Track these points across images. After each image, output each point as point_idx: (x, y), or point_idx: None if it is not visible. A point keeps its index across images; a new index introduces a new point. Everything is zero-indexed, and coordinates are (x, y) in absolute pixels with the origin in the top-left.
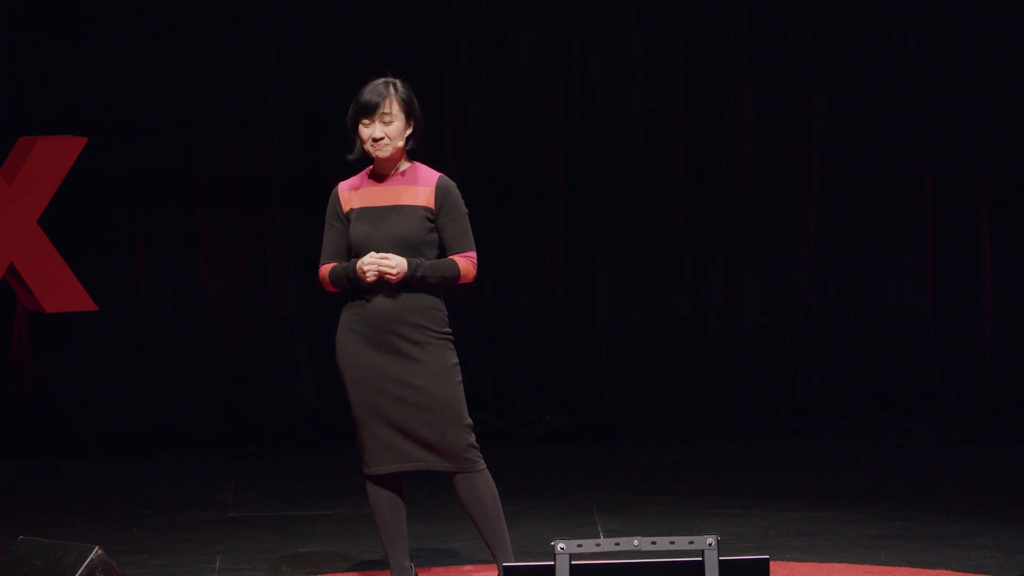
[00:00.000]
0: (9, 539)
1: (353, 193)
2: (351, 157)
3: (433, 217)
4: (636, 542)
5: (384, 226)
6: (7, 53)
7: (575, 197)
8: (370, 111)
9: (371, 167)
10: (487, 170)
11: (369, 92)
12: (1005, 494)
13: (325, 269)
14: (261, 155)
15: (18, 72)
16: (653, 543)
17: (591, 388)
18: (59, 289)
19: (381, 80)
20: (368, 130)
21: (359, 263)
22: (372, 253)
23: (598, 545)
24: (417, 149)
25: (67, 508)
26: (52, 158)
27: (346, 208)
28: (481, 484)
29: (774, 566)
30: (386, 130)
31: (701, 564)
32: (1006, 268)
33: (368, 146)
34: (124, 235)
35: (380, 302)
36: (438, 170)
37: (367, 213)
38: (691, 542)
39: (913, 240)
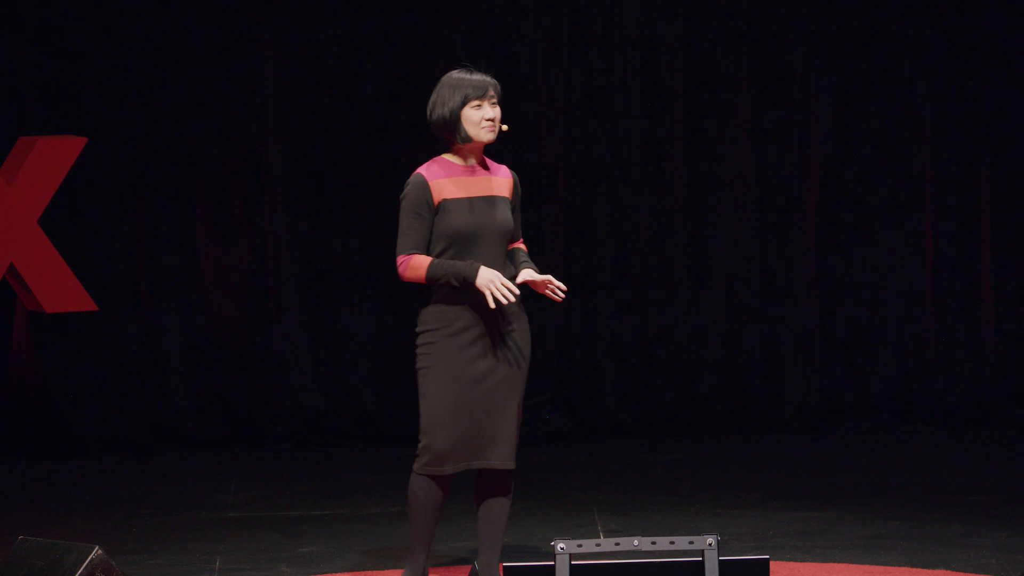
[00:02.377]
0: (9, 539)
1: (443, 182)
2: (462, 143)
3: (511, 207)
4: (636, 542)
5: (491, 217)
6: (7, 53)
7: (575, 197)
8: (483, 92)
9: (444, 156)
10: None
11: (476, 76)
12: (1005, 494)
13: (421, 260)
14: (261, 155)
15: (18, 72)
16: (653, 543)
17: (592, 388)
18: (59, 289)
19: (463, 68)
20: (480, 112)
21: (486, 279)
22: (499, 278)
23: (598, 545)
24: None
25: (67, 508)
26: (52, 158)
27: (437, 199)
28: (511, 485)
29: (774, 566)
30: (495, 111)
31: (701, 564)
32: (1006, 268)
33: (480, 127)
34: (124, 235)
35: (483, 299)
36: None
37: (469, 203)
38: (691, 542)
39: (913, 240)
